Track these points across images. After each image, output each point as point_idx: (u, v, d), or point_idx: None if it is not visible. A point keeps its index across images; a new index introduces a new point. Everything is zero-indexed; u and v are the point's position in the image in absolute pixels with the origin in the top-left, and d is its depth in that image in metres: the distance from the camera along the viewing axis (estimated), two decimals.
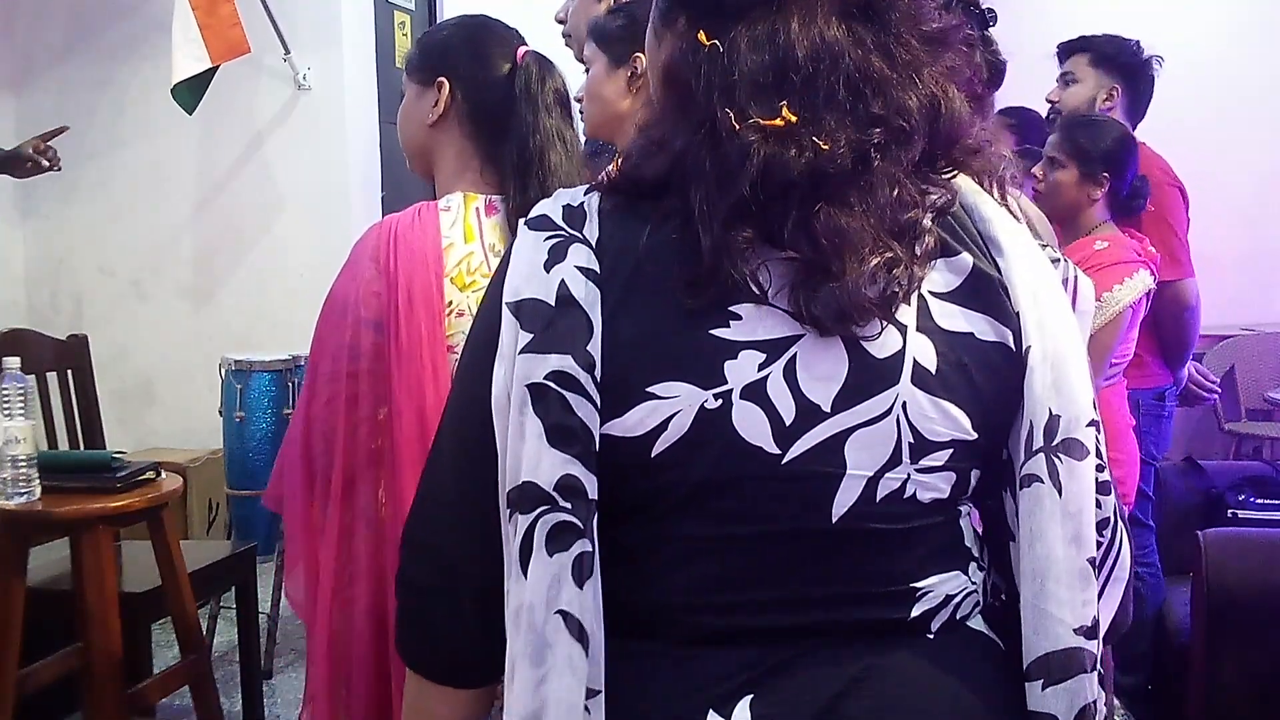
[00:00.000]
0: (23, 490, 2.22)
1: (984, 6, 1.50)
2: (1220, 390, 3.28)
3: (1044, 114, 3.03)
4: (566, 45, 2.44)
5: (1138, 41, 2.89)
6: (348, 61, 4.26)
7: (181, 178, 4.38)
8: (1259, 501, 2.97)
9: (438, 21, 4.67)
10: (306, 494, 1.51)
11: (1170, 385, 2.81)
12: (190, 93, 3.81)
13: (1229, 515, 2.94)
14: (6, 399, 2.20)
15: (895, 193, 0.84)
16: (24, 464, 2.21)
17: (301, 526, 1.52)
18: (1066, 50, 2.93)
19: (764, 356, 0.84)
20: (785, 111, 0.82)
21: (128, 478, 2.35)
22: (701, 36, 0.86)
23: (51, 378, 2.84)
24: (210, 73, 3.79)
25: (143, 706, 2.44)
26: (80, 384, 2.92)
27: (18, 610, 2.30)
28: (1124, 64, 2.86)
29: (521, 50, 1.61)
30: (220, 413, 3.50)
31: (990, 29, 1.52)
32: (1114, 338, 2.35)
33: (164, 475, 2.46)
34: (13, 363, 2.25)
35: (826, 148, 0.82)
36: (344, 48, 4.24)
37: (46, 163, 3.18)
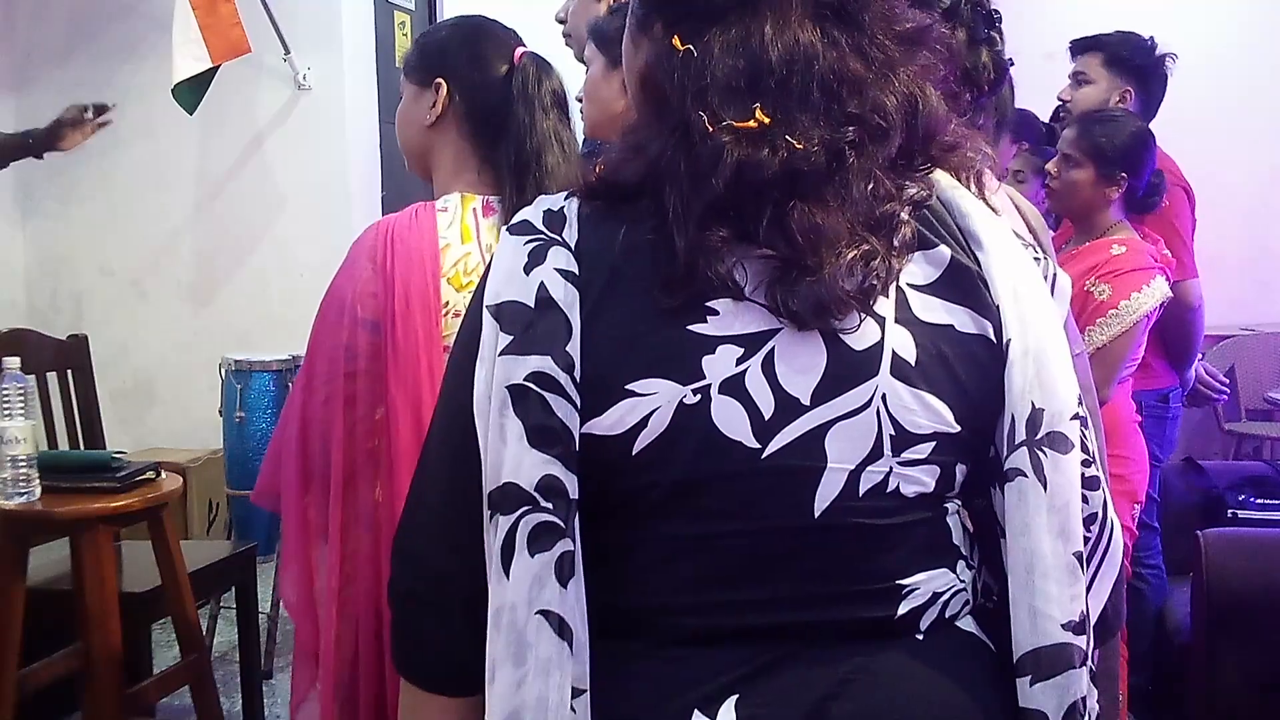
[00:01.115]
0: (23, 490, 2.23)
1: (990, 7, 1.50)
2: (1229, 389, 3.26)
3: (1052, 111, 3.00)
4: (567, 45, 2.44)
5: (1152, 38, 2.85)
6: (348, 61, 4.26)
7: (181, 178, 4.37)
8: (1259, 501, 2.97)
9: (437, 21, 4.67)
10: (301, 493, 1.51)
11: (1175, 387, 2.80)
12: (191, 93, 3.81)
13: (1229, 515, 2.94)
14: (6, 399, 2.20)
15: (871, 187, 0.85)
16: (24, 464, 2.22)
17: (296, 526, 1.52)
18: (1079, 48, 2.87)
19: (742, 351, 0.84)
20: (759, 113, 0.83)
21: (128, 478, 2.35)
22: (676, 41, 0.87)
23: (51, 378, 2.84)
24: (211, 72, 3.79)
25: (143, 706, 2.45)
26: (80, 384, 2.92)
27: (18, 610, 2.30)
28: (1138, 65, 2.81)
29: (519, 51, 1.61)
30: (220, 413, 3.50)
31: (998, 28, 1.53)
32: (1129, 346, 2.32)
33: (164, 475, 2.46)
34: (13, 363, 2.25)
35: (800, 146, 0.82)
36: (344, 48, 4.24)
37: (91, 115, 3.07)
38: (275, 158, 4.31)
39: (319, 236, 4.13)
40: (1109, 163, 2.43)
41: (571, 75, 1.70)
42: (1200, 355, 2.94)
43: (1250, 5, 5.21)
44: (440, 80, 1.59)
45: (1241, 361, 4.98)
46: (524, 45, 1.64)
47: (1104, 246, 2.42)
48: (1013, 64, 1.52)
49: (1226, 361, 4.85)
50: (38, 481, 2.25)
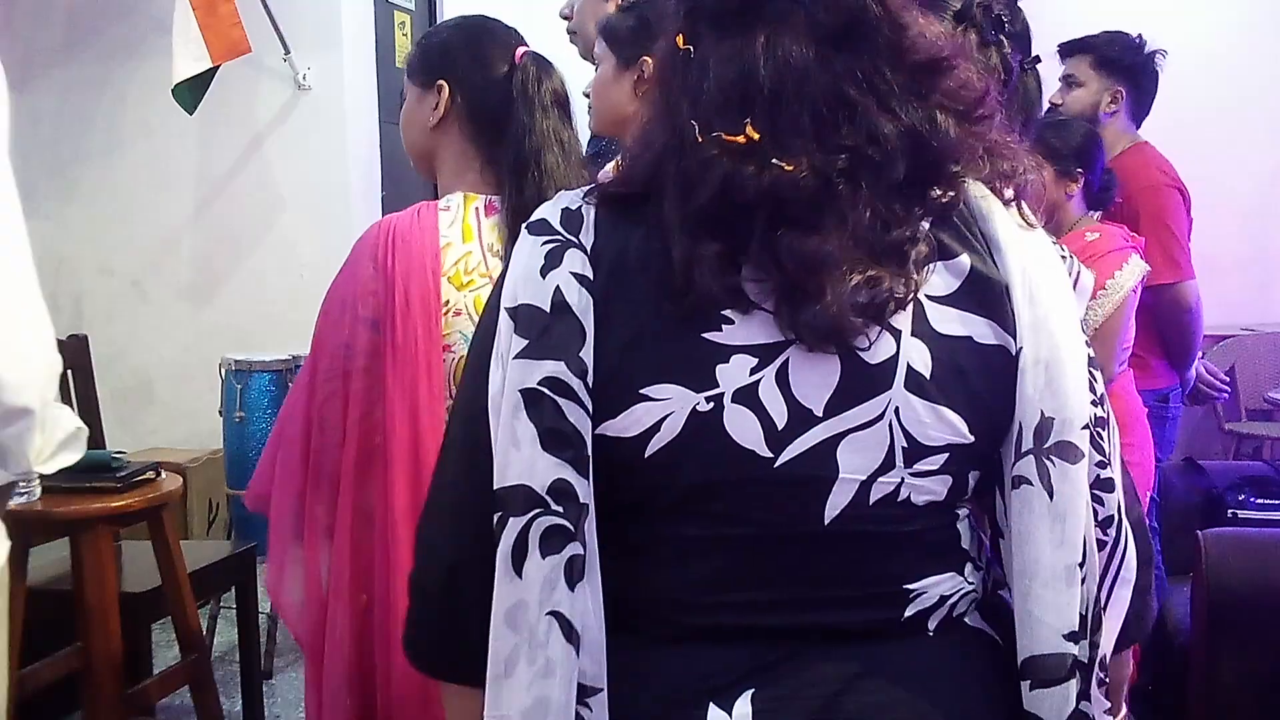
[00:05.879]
0: (23, 490, 2.22)
1: (996, 12, 1.50)
2: (1230, 388, 3.26)
3: (1045, 114, 3.00)
4: (571, 42, 2.44)
5: (1140, 36, 2.86)
6: (348, 61, 4.26)
7: (181, 178, 4.37)
8: (1259, 501, 2.96)
9: (438, 21, 4.67)
10: (300, 492, 1.51)
11: (1175, 387, 2.81)
12: (190, 93, 3.80)
13: (1229, 515, 2.93)
14: None
15: (872, 215, 0.83)
16: None
17: (288, 526, 1.52)
18: (1067, 51, 2.88)
19: (756, 361, 0.84)
20: (749, 129, 0.82)
21: (128, 478, 2.35)
22: (679, 40, 0.86)
23: None
24: (211, 73, 3.79)
25: (143, 706, 2.44)
26: (80, 384, 2.91)
27: (18, 610, 2.29)
28: (1128, 65, 2.82)
29: (520, 51, 1.61)
30: (220, 413, 3.50)
31: (1006, 30, 1.52)
32: (1121, 323, 2.41)
33: (164, 475, 2.46)
34: None
35: (790, 169, 0.81)
36: (344, 48, 4.24)
37: None
38: (275, 158, 4.31)
39: (319, 236, 4.13)
40: (1064, 159, 2.53)
41: (575, 72, 1.70)
42: (1201, 354, 2.95)
43: (1250, 5, 5.20)
44: (442, 82, 1.59)
45: (1241, 361, 4.98)
46: (525, 45, 1.63)
47: (1078, 237, 2.50)
48: (1039, 61, 1.49)
49: (1226, 361, 4.85)
50: (38, 481, 2.24)
